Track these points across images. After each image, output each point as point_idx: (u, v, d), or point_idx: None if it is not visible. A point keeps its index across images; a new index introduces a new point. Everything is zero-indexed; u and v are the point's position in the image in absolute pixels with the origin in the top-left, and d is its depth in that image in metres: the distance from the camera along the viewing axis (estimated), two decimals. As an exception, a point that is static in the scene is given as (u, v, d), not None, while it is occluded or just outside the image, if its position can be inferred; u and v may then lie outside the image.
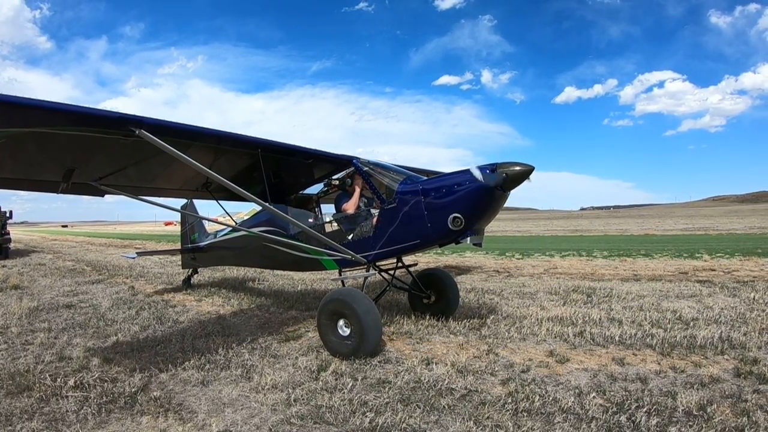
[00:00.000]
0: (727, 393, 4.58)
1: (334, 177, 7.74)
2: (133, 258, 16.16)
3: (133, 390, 5.02)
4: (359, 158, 7.33)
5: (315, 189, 8.14)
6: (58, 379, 5.31)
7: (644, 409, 4.20)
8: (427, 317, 7.81)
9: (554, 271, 14.27)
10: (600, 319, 7.68)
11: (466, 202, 6.12)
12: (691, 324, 7.23)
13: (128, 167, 6.00)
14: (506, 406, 4.37)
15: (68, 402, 4.72)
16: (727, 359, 5.60)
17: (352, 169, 7.31)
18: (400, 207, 6.60)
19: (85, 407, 4.59)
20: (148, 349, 6.61)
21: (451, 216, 6.18)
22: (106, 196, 6.54)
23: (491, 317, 7.85)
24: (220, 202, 7.62)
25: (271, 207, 6.51)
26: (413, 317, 7.90)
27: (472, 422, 4.04)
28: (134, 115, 4.75)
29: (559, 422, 4.06)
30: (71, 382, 5.20)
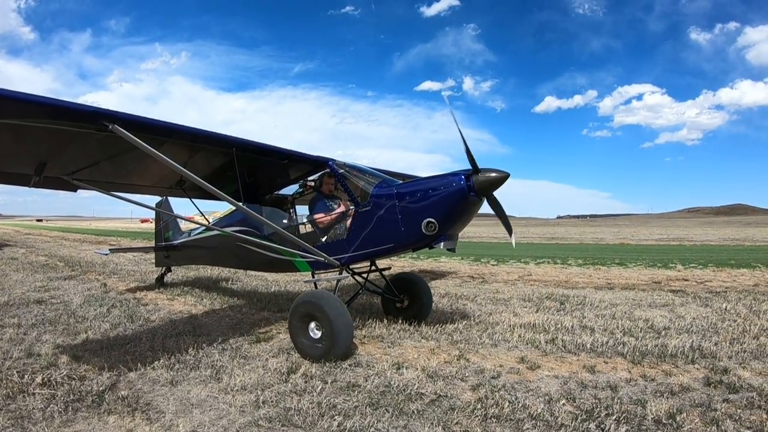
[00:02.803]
0: (696, 402, 4.65)
1: (310, 178, 7.75)
2: (106, 254, 15.95)
3: (101, 389, 4.97)
4: (335, 160, 7.32)
5: (290, 190, 8.11)
6: (26, 376, 5.23)
7: (614, 417, 4.24)
8: (400, 321, 7.83)
9: (529, 278, 14.38)
10: (572, 326, 7.75)
11: (440, 207, 6.13)
12: (663, 333, 7.32)
13: (101, 162, 5.90)
14: (476, 411, 4.38)
15: (35, 399, 4.65)
16: (697, 368, 5.67)
17: (328, 170, 7.31)
18: (374, 210, 6.60)
19: (51, 405, 4.52)
20: (118, 348, 6.53)
21: (425, 220, 6.19)
22: (81, 191, 6.47)
23: (464, 322, 7.88)
24: (194, 200, 7.57)
25: (244, 207, 6.48)
26: (386, 321, 7.90)
27: (440, 428, 4.06)
28: (108, 110, 4.70)
29: (528, 429, 4.09)
30: (39, 380, 5.12)
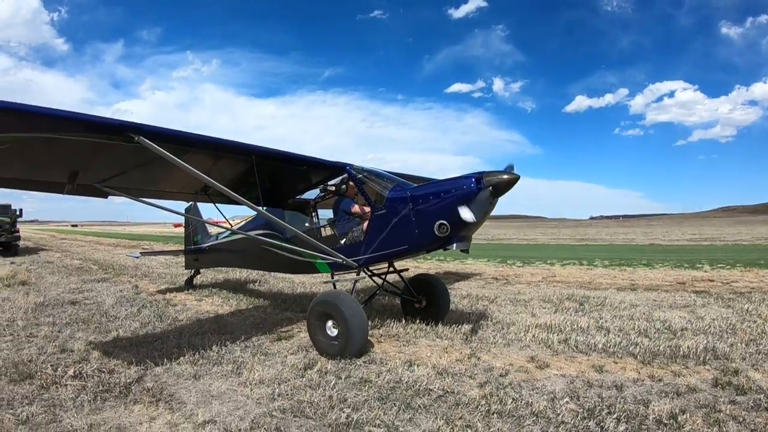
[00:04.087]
0: (702, 403, 4.63)
1: (330, 183, 7.98)
2: (137, 257, 16.52)
3: (128, 381, 5.32)
4: (353, 165, 7.55)
5: (313, 194, 8.38)
6: (59, 369, 5.63)
7: (614, 416, 4.28)
8: (418, 321, 7.99)
9: (552, 280, 14.36)
10: (588, 327, 7.77)
11: (452, 210, 6.26)
12: (679, 334, 7.27)
13: (130, 171, 6.27)
14: (479, 407, 4.53)
15: (67, 390, 5.03)
16: (708, 369, 5.63)
17: (346, 175, 7.55)
18: (389, 213, 6.81)
19: (82, 395, 4.89)
20: (146, 345, 6.90)
21: (438, 223, 6.36)
22: (115, 197, 6.86)
23: (480, 323, 8.00)
24: (217, 205, 7.89)
25: (263, 211, 6.75)
26: (404, 321, 8.07)
27: (443, 421, 4.23)
28: (133, 123, 5.07)
29: (528, 425, 4.20)
30: (71, 372, 5.52)
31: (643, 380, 5.31)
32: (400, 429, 4.13)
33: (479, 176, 6.23)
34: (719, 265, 17.16)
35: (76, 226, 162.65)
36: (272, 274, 14.03)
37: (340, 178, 7.76)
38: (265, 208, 7.84)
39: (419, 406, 4.60)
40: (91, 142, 5.22)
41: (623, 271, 16.44)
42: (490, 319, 8.42)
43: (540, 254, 23.37)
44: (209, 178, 5.63)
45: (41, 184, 6.38)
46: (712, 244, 33.57)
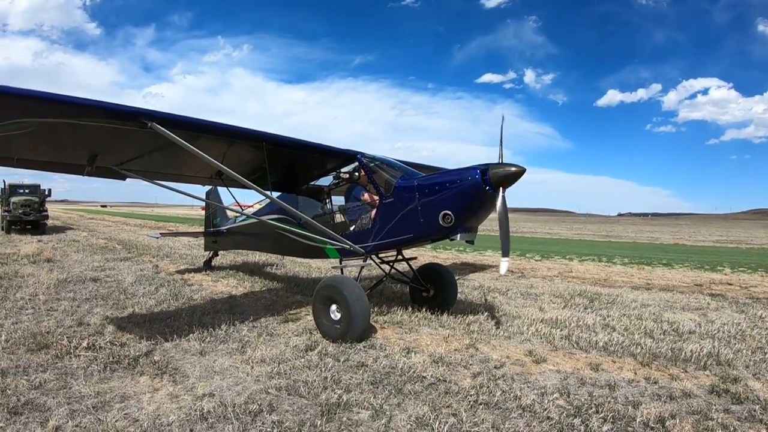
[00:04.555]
0: (694, 409, 4.54)
1: (343, 170, 8.12)
2: (157, 238, 16.98)
3: (137, 354, 5.64)
4: (364, 153, 7.68)
5: (327, 181, 8.54)
6: (74, 341, 5.98)
7: (601, 415, 4.28)
8: (424, 310, 8.11)
9: (568, 275, 14.32)
10: (593, 324, 7.76)
11: (456, 200, 6.37)
12: (684, 337, 7.17)
13: (145, 155, 6.53)
14: (468, 397, 4.62)
15: (79, 360, 5.38)
16: (707, 375, 5.52)
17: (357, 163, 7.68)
18: (397, 201, 6.93)
19: (93, 365, 5.22)
20: (159, 321, 7.21)
21: (442, 213, 6.46)
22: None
23: (485, 314, 8.06)
24: (232, 190, 8.12)
25: (272, 196, 6.95)
26: (410, 309, 8.20)
27: (428, 407, 4.36)
28: (147, 109, 5.31)
29: (513, 417, 4.24)
30: (84, 344, 5.86)
31: (638, 381, 5.27)
32: (387, 412, 4.27)
33: (485, 168, 6.28)
34: (740, 269, 16.80)
35: (105, 206, 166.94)
36: (290, 258, 14.28)
37: (353, 165, 7.89)
38: (279, 193, 8.02)
39: (410, 391, 4.74)
40: (108, 128, 5.48)
41: (641, 269, 16.22)
42: (496, 311, 8.49)
43: (561, 249, 23.17)
44: (218, 163, 5.87)
45: (63, 166, 6.74)
46: (737, 246, 32.72)
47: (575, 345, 6.59)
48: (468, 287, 11.00)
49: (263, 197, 7.47)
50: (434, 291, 8.45)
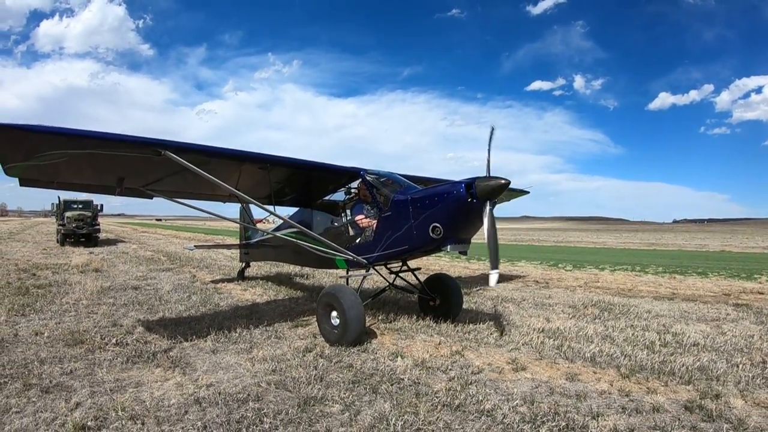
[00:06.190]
0: (656, 425, 4.44)
1: (353, 186, 8.71)
2: (192, 250, 18.08)
3: (157, 350, 6.48)
4: (366, 170, 8.22)
5: (340, 196, 9.16)
6: (105, 338, 6.96)
7: (554, 423, 4.37)
8: (428, 318, 8.50)
9: (593, 285, 14.28)
10: (592, 334, 7.70)
11: (443, 213, 6.79)
12: (684, 349, 6.97)
13: (165, 177, 7.33)
14: (434, 399, 4.93)
15: (107, 353, 6.34)
16: (688, 390, 5.36)
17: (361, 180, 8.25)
18: (393, 215, 7.43)
19: (117, 358, 6.15)
20: (184, 324, 8.07)
21: (432, 225, 6.90)
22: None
23: (487, 323, 8.31)
24: (250, 206, 8.83)
25: (274, 211, 7.72)
26: (414, 317, 8.61)
27: (390, 404, 4.80)
28: (159, 139, 6.14)
29: (470, 420, 4.49)
30: (114, 341, 6.82)
31: (610, 393, 5.25)
32: (355, 407, 4.79)
33: (470, 182, 6.63)
34: (781, 277, 16.14)
35: (160, 220, 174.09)
36: (320, 270, 14.92)
37: (358, 181, 8.45)
38: (296, 209, 8.74)
39: (384, 391, 5.20)
40: (131, 156, 6.34)
41: (672, 278, 15.93)
42: (501, 321, 8.65)
43: (597, 258, 22.80)
44: (224, 183, 6.63)
45: (96, 187, 7.73)
46: (786, 253, 31.06)
47: (563, 355, 6.59)
48: (483, 297, 11.25)
49: (284, 212, 8.14)
50: (440, 300, 8.82)
